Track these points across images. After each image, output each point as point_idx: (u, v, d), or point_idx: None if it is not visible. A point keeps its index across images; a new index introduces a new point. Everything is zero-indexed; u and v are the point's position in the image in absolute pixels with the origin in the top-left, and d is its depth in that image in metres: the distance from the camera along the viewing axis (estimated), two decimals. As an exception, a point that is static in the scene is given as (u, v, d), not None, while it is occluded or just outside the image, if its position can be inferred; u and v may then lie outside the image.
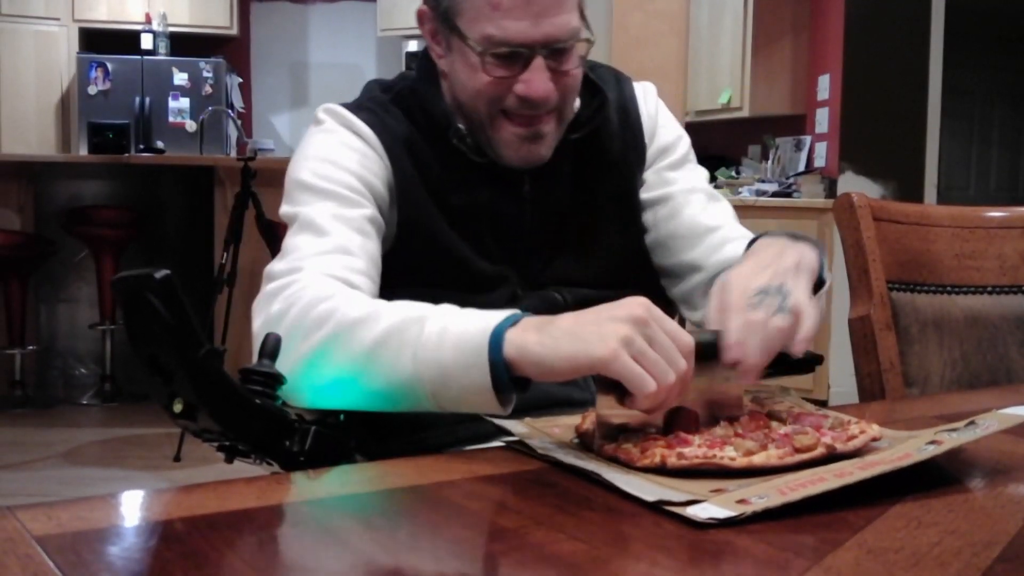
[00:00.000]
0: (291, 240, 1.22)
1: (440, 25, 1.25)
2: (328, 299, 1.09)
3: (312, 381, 1.06)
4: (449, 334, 0.99)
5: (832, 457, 0.88)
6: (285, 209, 1.26)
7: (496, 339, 0.96)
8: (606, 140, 1.35)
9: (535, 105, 1.23)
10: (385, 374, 1.02)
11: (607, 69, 1.41)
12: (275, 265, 1.19)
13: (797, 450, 0.89)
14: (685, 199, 1.38)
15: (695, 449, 0.89)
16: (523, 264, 1.31)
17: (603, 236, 1.36)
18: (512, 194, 1.30)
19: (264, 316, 1.13)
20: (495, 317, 0.99)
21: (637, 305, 0.94)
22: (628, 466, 0.89)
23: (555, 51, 1.21)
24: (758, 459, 0.87)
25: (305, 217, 1.22)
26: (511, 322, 0.98)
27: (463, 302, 1.14)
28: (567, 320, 0.96)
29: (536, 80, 1.21)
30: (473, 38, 1.20)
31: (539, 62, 1.20)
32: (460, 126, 1.28)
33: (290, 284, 1.14)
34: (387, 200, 1.27)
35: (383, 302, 1.08)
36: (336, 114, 1.30)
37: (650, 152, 1.40)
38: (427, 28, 1.29)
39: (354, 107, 1.31)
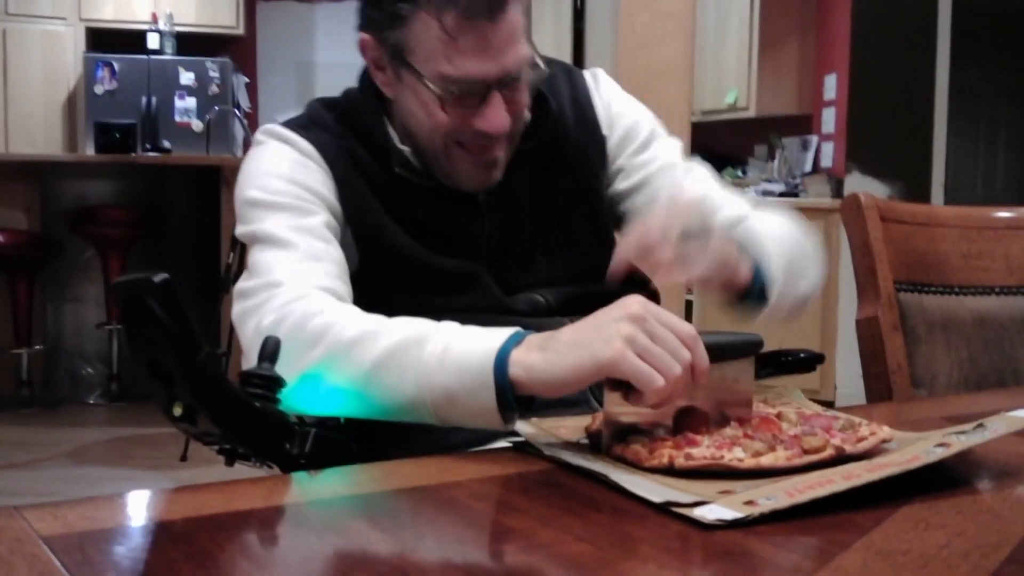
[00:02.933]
0: (257, 257, 1.20)
1: (388, 58, 1.23)
2: (320, 313, 1.09)
3: (308, 398, 1.06)
4: (451, 356, 0.99)
5: (841, 459, 0.88)
6: (241, 230, 1.24)
7: (501, 361, 0.97)
8: (562, 140, 1.34)
9: (492, 137, 1.23)
10: (386, 395, 1.03)
11: (559, 66, 1.40)
12: (247, 283, 1.18)
13: (806, 451, 0.89)
14: (660, 181, 1.38)
15: (703, 450, 0.89)
16: (493, 269, 1.30)
17: (571, 233, 1.35)
18: (467, 207, 1.30)
19: (254, 329, 1.12)
20: (497, 338, 0.99)
21: (633, 303, 0.95)
22: (636, 466, 0.89)
23: (509, 83, 1.21)
24: (766, 460, 0.87)
25: (264, 233, 1.20)
26: (515, 342, 0.98)
27: (443, 305, 1.15)
28: (568, 332, 0.97)
29: (495, 115, 1.20)
30: (428, 76, 1.19)
31: (496, 97, 1.20)
32: (404, 148, 1.27)
33: (274, 296, 1.13)
34: (338, 212, 1.26)
35: (380, 319, 1.08)
36: (275, 133, 1.29)
37: (612, 143, 1.39)
38: (370, 56, 1.26)
39: (293, 125, 1.30)
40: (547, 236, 1.34)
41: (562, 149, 1.34)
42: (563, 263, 1.34)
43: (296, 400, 1.06)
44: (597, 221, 1.38)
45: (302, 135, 1.28)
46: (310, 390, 1.06)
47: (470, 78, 1.18)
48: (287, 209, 1.22)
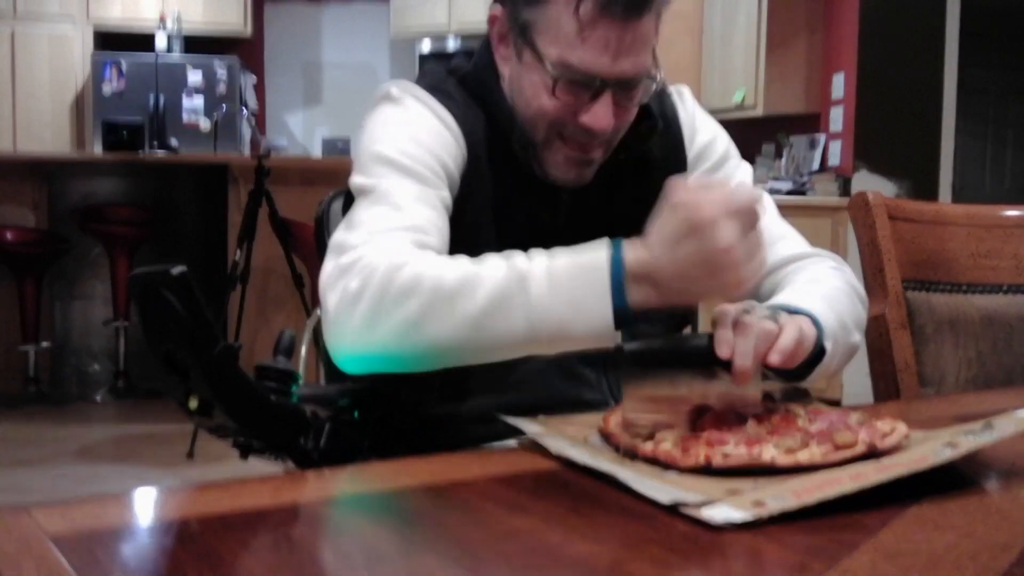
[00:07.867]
0: (363, 212, 1.17)
1: (514, 34, 1.24)
2: (406, 264, 1.06)
3: (407, 351, 1.05)
4: (558, 283, 1.01)
5: (873, 454, 0.88)
6: (359, 180, 1.21)
7: (616, 258, 1.01)
8: (649, 156, 1.35)
9: (593, 135, 1.23)
10: (496, 339, 1.03)
11: None
12: (346, 236, 1.14)
13: (838, 447, 0.89)
14: None
15: (738, 448, 0.89)
16: None
17: None
18: (549, 201, 1.30)
19: (341, 292, 1.08)
20: (600, 255, 1.03)
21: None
22: (669, 467, 0.88)
23: (623, 87, 1.21)
24: (803, 457, 0.87)
25: (382, 190, 1.18)
26: (621, 251, 1.02)
27: None
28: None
29: (602, 113, 1.20)
30: (550, 59, 1.19)
31: (607, 96, 1.20)
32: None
33: (364, 256, 1.09)
34: (456, 189, 1.25)
35: (465, 261, 1.07)
36: (412, 92, 1.27)
37: (690, 157, 1.40)
38: (496, 30, 1.27)
39: (429, 88, 1.28)
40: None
41: (648, 163, 1.35)
42: None
43: (388, 360, 1.05)
44: None
45: (441, 101, 1.27)
46: (406, 348, 1.05)
47: (588, 71, 1.18)
48: (414, 176, 1.20)
